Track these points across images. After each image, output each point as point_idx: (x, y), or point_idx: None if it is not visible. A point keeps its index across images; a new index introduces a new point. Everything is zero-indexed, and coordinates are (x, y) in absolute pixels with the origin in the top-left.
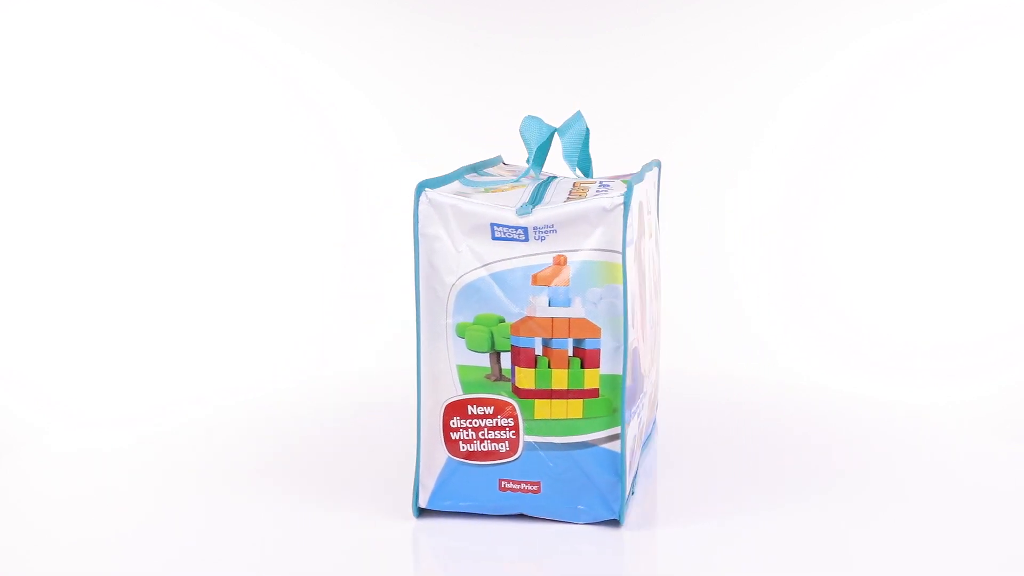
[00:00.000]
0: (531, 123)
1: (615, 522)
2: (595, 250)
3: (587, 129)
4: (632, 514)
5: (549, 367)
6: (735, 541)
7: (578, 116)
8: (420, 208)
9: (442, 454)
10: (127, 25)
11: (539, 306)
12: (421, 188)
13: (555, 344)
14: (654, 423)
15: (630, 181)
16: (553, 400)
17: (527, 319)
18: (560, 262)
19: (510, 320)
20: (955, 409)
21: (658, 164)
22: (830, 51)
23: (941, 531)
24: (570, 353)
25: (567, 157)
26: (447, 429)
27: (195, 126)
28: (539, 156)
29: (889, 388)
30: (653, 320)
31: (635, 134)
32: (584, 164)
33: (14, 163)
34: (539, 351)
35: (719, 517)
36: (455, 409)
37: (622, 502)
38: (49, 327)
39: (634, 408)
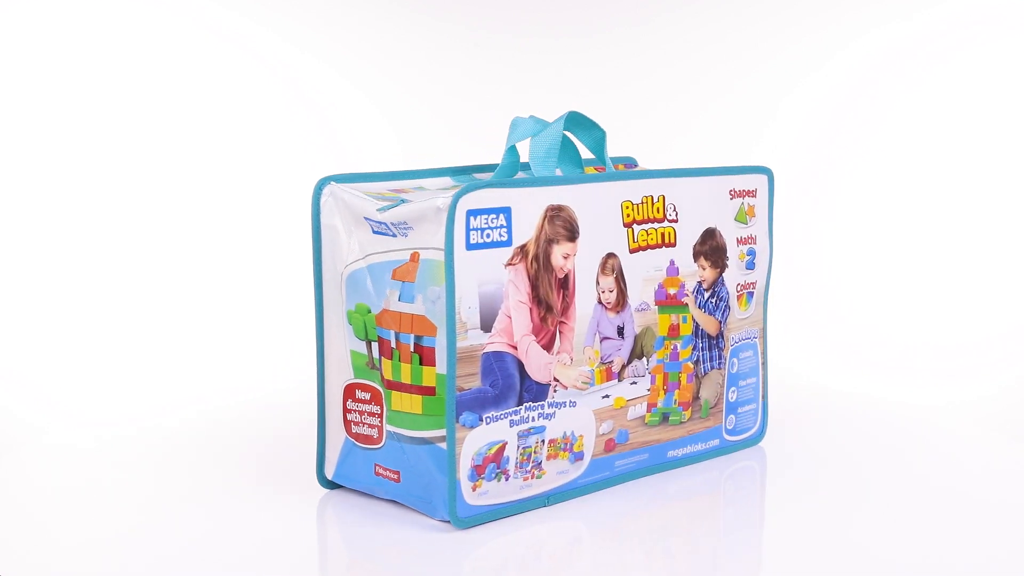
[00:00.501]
0: (518, 123)
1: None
2: (437, 249)
3: (600, 132)
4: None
5: (400, 360)
6: (729, 541)
7: (559, 119)
8: (322, 200)
9: (341, 432)
10: (127, 25)
11: (392, 300)
12: (324, 182)
13: (402, 339)
14: (729, 433)
15: (476, 183)
16: (402, 393)
17: (384, 312)
18: (414, 259)
19: (375, 311)
20: (955, 409)
21: (764, 171)
22: (830, 51)
23: (942, 531)
24: (411, 349)
25: (532, 159)
26: (345, 409)
27: (195, 127)
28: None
29: (889, 388)
30: (621, 326)
31: (635, 134)
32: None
33: (14, 163)
34: (394, 344)
35: (714, 517)
36: (349, 391)
37: (452, 505)
38: (49, 327)
39: (499, 413)
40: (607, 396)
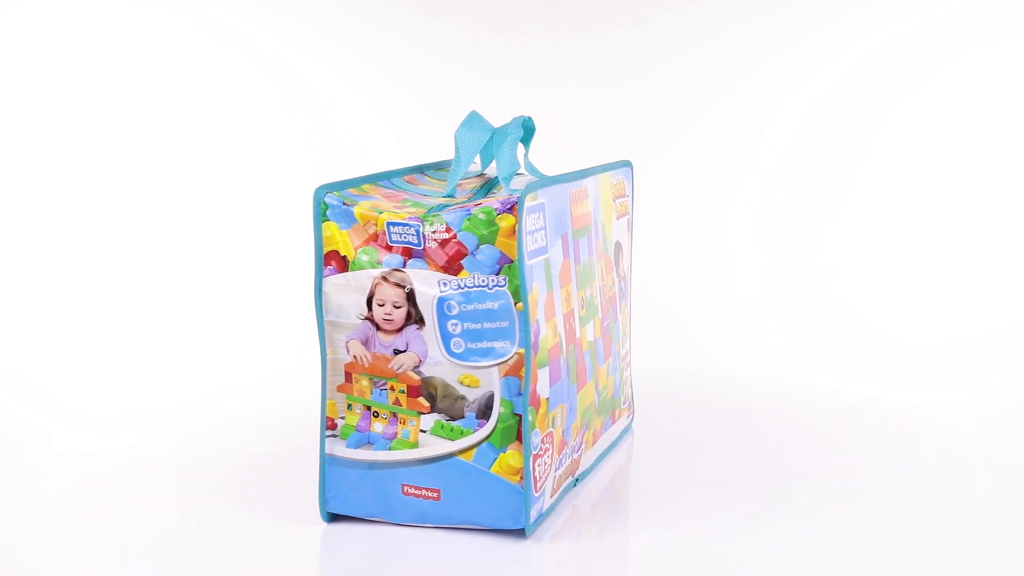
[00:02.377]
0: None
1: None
2: None
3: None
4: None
5: None
6: (728, 543)
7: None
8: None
9: None
10: (127, 25)
11: None
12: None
13: None
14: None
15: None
16: None
17: None
18: None
19: None
20: (955, 410)
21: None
22: (830, 51)
23: (942, 532)
24: None
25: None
26: None
27: (195, 128)
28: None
29: (889, 388)
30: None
31: (635, 134)
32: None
33: (15, 164)
34: None
35: (713, 517)
36: None
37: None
38: (50, 329)
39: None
40: None
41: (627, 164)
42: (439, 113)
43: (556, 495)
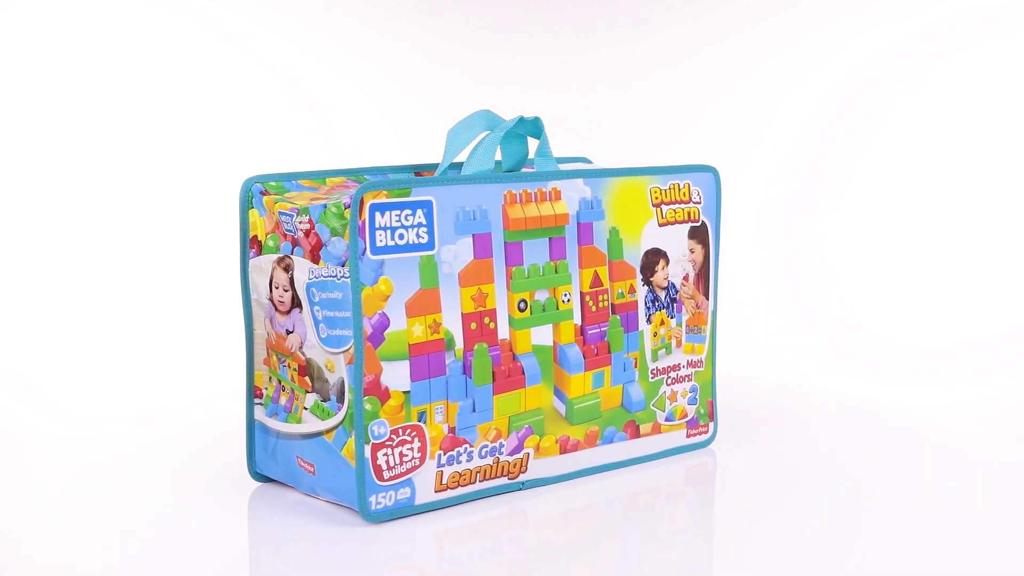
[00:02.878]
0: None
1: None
2: None
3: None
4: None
5: None
6: (731, 537)
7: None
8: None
9: None
10: (128, 26)
11: None
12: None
13: None
14: None
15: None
16: None
17: None
18: None
19: None
20: (955, 410)
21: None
22: (830, 51)
23: (942, 532)
24: None
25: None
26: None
27: (194, 126)
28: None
29: (889, 388)
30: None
31: (635, 134)
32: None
33: (16, 164)
34: None
35: (714, 516)
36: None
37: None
38: (49, 329)
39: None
40: None
41: (705, 169)
42: (439, 113)
43: (454, 491)
